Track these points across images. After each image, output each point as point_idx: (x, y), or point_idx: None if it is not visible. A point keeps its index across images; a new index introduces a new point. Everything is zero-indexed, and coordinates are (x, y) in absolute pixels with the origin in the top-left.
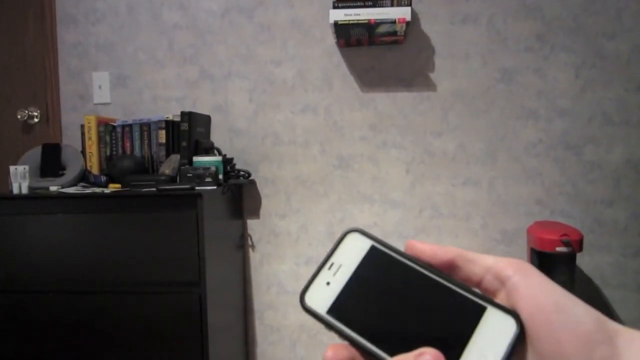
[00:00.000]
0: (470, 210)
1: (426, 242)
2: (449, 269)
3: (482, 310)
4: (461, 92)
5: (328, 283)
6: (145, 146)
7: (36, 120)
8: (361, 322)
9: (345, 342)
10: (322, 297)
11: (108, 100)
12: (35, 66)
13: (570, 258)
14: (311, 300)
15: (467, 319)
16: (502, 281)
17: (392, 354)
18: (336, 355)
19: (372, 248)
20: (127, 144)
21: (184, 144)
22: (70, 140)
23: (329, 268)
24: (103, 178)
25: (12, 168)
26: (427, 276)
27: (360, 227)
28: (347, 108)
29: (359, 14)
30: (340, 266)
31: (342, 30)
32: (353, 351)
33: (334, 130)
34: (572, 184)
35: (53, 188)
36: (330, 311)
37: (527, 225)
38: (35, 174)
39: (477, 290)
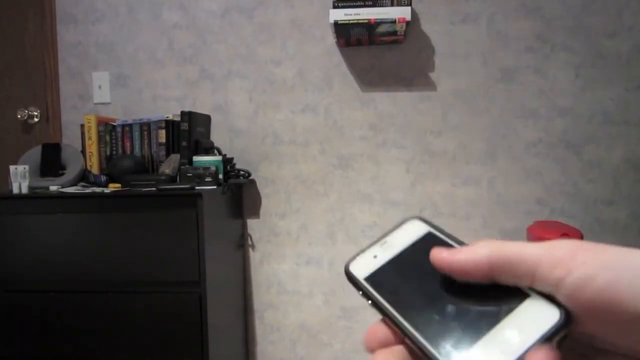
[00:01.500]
0: (470, 209)
1: (454, 254)
2: (490, 276)
3: (523, 297)
4: (461, 92)
5: (375, 256)
6: (145, 146)
7: (36, 120)
8: (393, 294)
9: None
10: (366, 266)
11: (108, 100)
12: (35, 66)
13: None
14: (354, 268)
15: (502, 305)
16: (555, 285)
17: (416, 327)
18: (374, 334)
19: (428, 234)
20: (127, 144)
21: (184, 143)
22: (70, 140)
23: (381, 245)
24: (103, 178)
25: (12, 168)
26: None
27: (425, 217)
28: (347, 108)
29: (359, 14)
30: (392, 245)
31: (342, 30)
32: (389, 334)
33: (334, 130)
34: (572, 184)
35: (53, 188)
36: (368, 279)
37: (527, 225)
38: (35, 174)
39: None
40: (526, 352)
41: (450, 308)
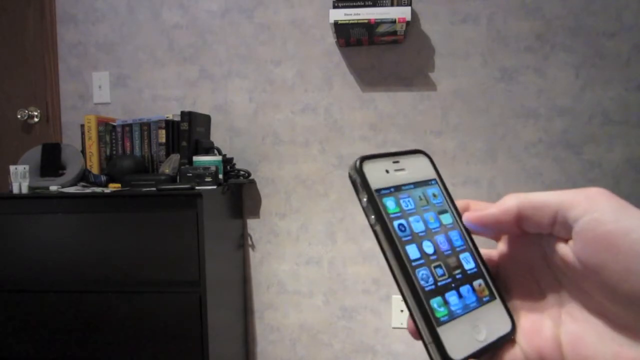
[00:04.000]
0: None
1: (484, 208)
2: (518, 224)
3: (492, 298)
4: (461, 92)
5: (387, 171)
6: (145, 146)
7: (36, 120)
8: (395, 221)
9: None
10: (376, 176)
11: (108, 99)
12: (35, 66)
13: None
14: (367, 170)
15: (479, 293)
16: (568, 229)
17: (409, 263)
18: None
19: (434, 180)
20: (127, 144)
21: (184, 143)
22: (70, 139)
23: (393, 162)
24: (103, 178)
25: (12, 168)
26: (467, 241)
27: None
28: (347, 107)
29: (359, 14)
30: (403, 169)
31: (342, 30)
32: None
33: (334, 130)
34: (572, 184)
35: (53, 188)
36: (378, 191)
37: None
38: (35, 174)
39: (495, 282)
40: (486, 347)
41: (437, 258)
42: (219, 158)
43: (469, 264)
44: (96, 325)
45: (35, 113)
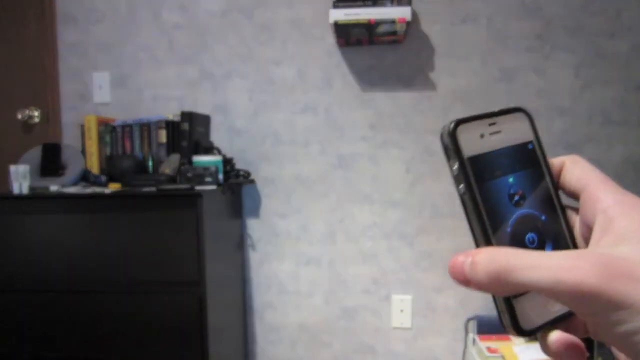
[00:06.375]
0: None
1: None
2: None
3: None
4: (461, 92)
5: (482, 135)
6: (145, 146)
7: (36, 120)
8: (482, 189)
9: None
10: (470, 142)
11: (108, 100)
12: (35, 66)
13: None
14: (461, 135)
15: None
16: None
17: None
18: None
19: (531, 142)
20: (127, 144)
21: (184, 143)
22: (70, 140)
23: (489, 125)
24: (103, 178)
25: (12, 168)
26: (556, 212)
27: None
28: (347, 108)
29: (359, 14)
30: (499, 132)
31: (342, 30)
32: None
33: (334, 130)
34: None
35: (53, 188)
36: (471, 159)
37: None
38: (36, 174)
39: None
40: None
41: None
42: (219, 158)
43: (556, 238)
44: (96, 325)
45: (35, 113)
